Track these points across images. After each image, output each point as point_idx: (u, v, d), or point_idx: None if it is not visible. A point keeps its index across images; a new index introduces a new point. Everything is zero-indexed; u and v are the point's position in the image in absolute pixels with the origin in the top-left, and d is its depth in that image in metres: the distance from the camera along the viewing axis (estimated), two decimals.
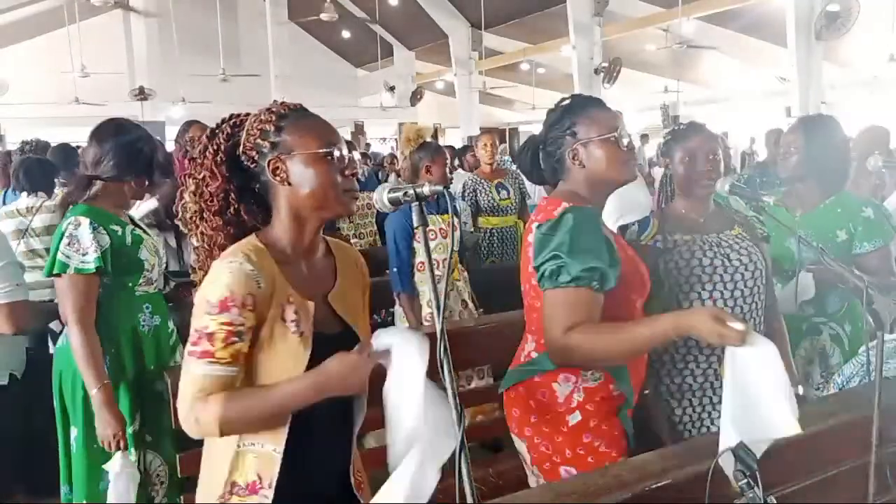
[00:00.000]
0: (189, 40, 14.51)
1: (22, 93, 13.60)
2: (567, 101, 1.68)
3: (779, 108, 9.82)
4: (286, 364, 1.23)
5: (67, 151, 3.86)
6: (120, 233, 2.03)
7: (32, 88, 13.98)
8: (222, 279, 1.19)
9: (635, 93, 15.76)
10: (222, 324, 1.18)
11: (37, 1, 13.64)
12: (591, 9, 11.84)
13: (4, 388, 2.17)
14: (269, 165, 1.27)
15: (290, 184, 1.26)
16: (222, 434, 1.19)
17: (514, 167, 4.85)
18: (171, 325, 2.19)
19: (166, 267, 2.36)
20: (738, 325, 1.29)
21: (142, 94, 13.54)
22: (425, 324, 2.98)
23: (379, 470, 1.26)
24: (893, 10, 9.07)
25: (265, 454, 1.24)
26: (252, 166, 1.29)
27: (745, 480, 1.12)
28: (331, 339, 1.27)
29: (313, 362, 1.23)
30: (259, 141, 1.27)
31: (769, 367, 1.26)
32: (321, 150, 1.26)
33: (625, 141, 1.60)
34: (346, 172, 1.28)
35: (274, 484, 1.24)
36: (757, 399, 1.25)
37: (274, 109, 1.30)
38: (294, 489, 1.26)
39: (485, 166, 4.42)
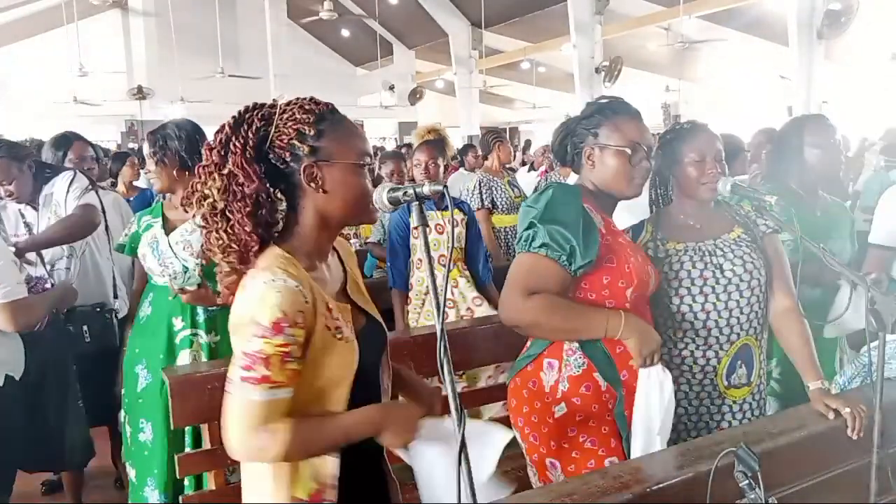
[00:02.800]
0: (187, 39, 14.51)
1: (20, 92, 13.61)
2: (604, 101, 1.69)
3: (780, 106, 9.80)
4: (339, 372, 1.21)
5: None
6: None
7: (31, 87, 13.99)
8: (270, 300, 1.12)
9: (636, 92, 15.76)
10: (277, 346, 1.12)
11: (35, 0, 13.64)
12: (591, 7, 11.84)
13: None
14: (304, 171, 1.20)
15: (324, 191, 1.22)
16: (286, 461, 1.19)
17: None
18: None
19: None
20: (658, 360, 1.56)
21: (140, 94, 13.56)
22: (415, 324, 2.95)
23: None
24: (894, 8, 9.06)
25: (317, 461, 1.22)
26: (282, 167, 1.22)
27: (747, 481, 1.11)
28: (360, 332, 1.27)
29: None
30: (295, 142, 1.20)
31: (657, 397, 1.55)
32: (360, 162, 1.24)
33: (638, 158, 1.61)
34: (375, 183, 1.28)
35: (336, 483, 1.22)
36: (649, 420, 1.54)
37: (308, 108, 1.23)
38: (345, 479, 1.24)
39: (498, 165, 4.45)
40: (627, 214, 1.82)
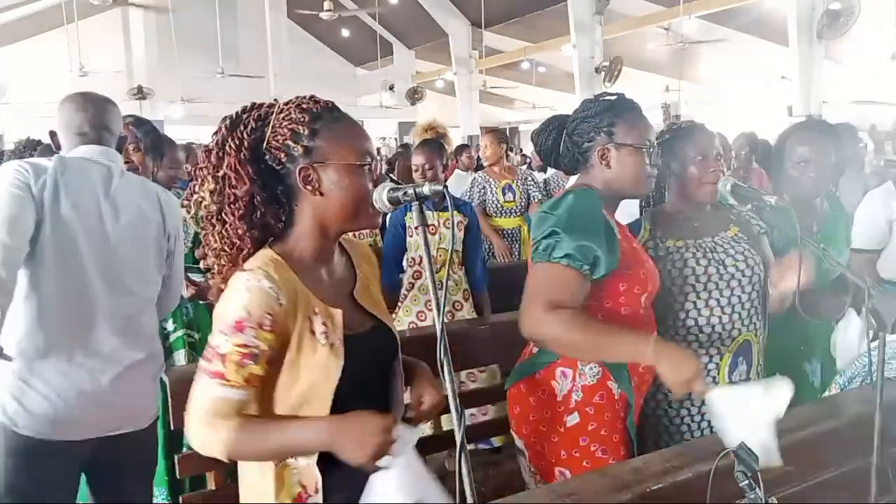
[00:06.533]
0: (188, 39, 14.50)
1: (20, 92, 13.59)
2: (612, 98, 1.65)
3: (780, 106, 9.81)
4: (317, 378, 1.17)
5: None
6: None
7: (31, 88, 13.97)
8: (239, 298, 1.12)
9: (636, 92, 15.73)
10: (236, 345, 1.11)
11: (35, 0, 13.63)
12: (591, 7, 11.83)
13: None
14: (299, 172, 1.17)
15: (321, 194, 1.18)
16: (228, 460, 1.16)
17: (523, 168, 4.83)
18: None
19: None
20: (702, 388, 1.39)
21: (140, 94, 13.53)
22: (400, 324, 2.93)
23: None
24: (894, 8, 9.06)
25: (302, 466, 1.19)
26: (278, 168, 1.19)
27: (747, 481, 1.11)
28: (363, 337, 1.24)
29: (350, 367, 1.18)
30: (289, 143, 1.17)
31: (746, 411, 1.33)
32: (358, 163, 1.18)
33: (654, 156, 1.60)
34: (375, 183, 1.20)
35: (320, 488, 1.18)
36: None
37: (305, 107, 1.19)
38: (341, 488, 1.19)
39: (493, 166, 4.40)
40: (619, 212, 1.82)
